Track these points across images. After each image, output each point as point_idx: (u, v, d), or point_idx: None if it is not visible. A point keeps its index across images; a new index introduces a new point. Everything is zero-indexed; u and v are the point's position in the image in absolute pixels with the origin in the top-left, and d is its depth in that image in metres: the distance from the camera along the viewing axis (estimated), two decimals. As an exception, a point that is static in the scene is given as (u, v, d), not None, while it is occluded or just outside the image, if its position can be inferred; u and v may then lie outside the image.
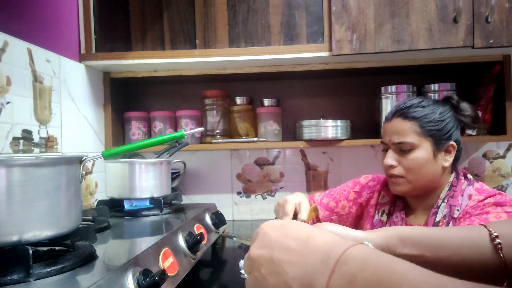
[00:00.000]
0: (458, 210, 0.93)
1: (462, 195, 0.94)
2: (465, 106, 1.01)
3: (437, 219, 0.94)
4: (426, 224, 0.97)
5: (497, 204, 0.87)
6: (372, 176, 1.16)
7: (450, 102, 1.01)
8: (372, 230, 0.60)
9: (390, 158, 0.97)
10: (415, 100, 0.98)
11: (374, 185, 1.12)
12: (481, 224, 0.59)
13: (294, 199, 1.00)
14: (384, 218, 1.04)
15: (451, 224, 0.92)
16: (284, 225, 0.47)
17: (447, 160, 0.97)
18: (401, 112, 0.97)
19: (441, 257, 0.56)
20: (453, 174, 0.99)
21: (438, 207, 0.96)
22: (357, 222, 1.14)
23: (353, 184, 1.17)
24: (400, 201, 1.05)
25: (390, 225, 1.03)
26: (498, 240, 0.55)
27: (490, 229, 0.57)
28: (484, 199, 0.90)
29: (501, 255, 0.54)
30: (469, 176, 1.00)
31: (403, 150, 0.95)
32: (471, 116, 1.00)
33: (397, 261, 0.36)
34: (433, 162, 0.95)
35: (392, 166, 0.97)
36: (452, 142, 0.96)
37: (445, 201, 0.96)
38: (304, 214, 0.95)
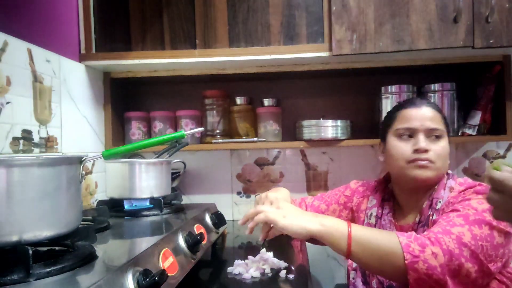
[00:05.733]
0: (440, 202, 0.94)
1: (444, 188, 0.96)
2: None
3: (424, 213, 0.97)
4: (414, 223, 0.97)
5: (477, 192, 0.89)
6: (361, 182, 1.17)
7: None
8: None
9: (425, 142, 0.95)
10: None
11: (364, 190, 1.14)
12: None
13: (274, 195, 1.02)
14: (373, 220, 1.05)
15: (434, 216, 0.93)
16: None
17: None
18: (428, 102, 1.01)
19: None
20: None
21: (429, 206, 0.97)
22: None
23: (344, 189, 1.18)
24: (387, 203, 1.06)
25: (378, 228, 1.03)
26: None
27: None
28: (465, 189, 0.92)
29: None
30: (449, 171, 1.01)
31: (435, 136, 0.97)
32: None
33: None
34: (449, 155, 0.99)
35: (427, 150, 0.95)
36: None
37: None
38: None
